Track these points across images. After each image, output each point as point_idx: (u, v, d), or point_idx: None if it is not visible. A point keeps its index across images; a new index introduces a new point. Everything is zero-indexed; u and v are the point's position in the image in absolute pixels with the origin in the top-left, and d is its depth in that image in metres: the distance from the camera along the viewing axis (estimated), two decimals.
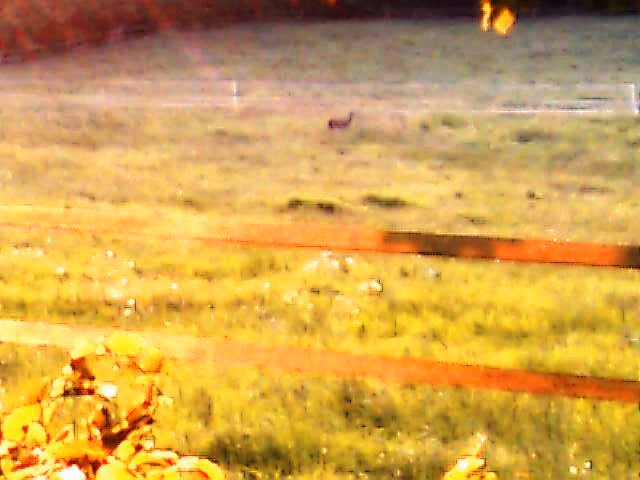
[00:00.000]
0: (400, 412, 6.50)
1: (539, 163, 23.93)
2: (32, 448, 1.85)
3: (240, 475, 5.67)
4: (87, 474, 1.79)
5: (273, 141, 28.18)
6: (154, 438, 1.92)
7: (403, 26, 68.23)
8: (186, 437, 6.06)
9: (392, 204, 17.94)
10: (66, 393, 1.91)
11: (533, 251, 5.08)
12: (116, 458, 1.80)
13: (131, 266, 11.62)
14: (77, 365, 1.92)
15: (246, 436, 6.02)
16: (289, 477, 5.68)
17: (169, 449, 1.86)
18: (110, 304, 9.64)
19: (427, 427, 6.31)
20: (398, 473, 5.68)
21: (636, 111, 32.54)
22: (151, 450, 1.83)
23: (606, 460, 5.84)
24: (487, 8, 4.39)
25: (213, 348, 5.65)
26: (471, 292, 10.30)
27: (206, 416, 6.44)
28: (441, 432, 6.25)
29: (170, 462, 1.79)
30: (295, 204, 17.52)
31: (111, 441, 1.84)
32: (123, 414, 1.87)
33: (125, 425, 1.86)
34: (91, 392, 1.92)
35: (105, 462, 1.79)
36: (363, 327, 8.89)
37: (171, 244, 12.64)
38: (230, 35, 66.35)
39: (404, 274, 11.40)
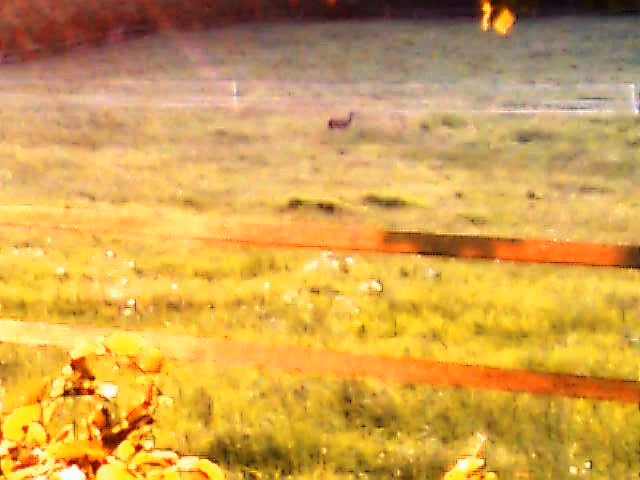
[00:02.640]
0: (400, 412, 6.50)
1: (539, 163, 23.93)
2: (32, 448, 1.85)
3: (240, 475, 5.67)
4: (87, 474, 1.79)
5: (273, 141, 28.18)
6: (154, 438, 1.92)
7: (403, 26, 68.19)
8: (186, 437, 6.06)
9: (392, 204, 17.94)
10: (66, 393, 1.91)
11: (533, 251, 5.08)
12: (116, 458, 1.80)
13: (131, 266, 11.62)
14: (77, 365, 1.92)
15: (246, 436, 6.02)
16: (289, 477, 5.68)
17: (169, 449, 1.86)
18: (110, 304, 9.64)
19: (427, 427, 6.31)
20: (398, 473, 5.68)
21: (636, 111, 32.53)
22: (151, 450, 1.83)
23: (606, 460, 5.84)
24: (487, 8, 4.40)
25: (213, 348, 5.65)
26: (471, 292, 10.29)
27: (206, 416, 6.44)
28: (441, 432, 6.25)
29: (170, 462, 1.79)
30: (295, 204, 17.52)
31: (111, 441, 1.84)
32: (123, 414, 1.87)
33: (125, 425, 1.86)
34: (91, 392, 1.92)
35: (105, 462, 1.80)
36: (363, 327, 8.89)
37: (171, 244, 12.64)
38: (230, 35, 66.32)
39: (404, 274, 11.40)
